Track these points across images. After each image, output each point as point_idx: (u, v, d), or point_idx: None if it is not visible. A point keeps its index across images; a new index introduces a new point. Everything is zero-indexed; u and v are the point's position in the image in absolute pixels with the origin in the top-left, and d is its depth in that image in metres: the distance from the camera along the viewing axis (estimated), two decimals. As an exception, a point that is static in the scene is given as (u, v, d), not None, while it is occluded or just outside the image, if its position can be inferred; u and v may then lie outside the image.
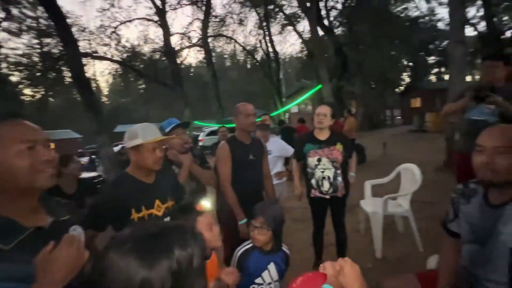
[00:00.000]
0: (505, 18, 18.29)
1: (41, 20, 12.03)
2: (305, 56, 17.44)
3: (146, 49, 15.07)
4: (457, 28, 4.88)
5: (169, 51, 12.63)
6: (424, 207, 3.24)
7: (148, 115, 29.17)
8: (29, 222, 0.74)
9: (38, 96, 18.63)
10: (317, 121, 2.24)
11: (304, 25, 19.47)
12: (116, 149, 8.19)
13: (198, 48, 15.45)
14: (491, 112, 2.09)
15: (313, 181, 2.27)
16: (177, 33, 14.78)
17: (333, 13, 15.99)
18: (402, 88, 23.51)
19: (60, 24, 7.16)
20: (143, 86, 22.44)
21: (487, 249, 1.00)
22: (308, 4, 9.96)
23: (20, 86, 15.93)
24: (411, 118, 15.84)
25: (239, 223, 1.81)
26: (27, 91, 18.06)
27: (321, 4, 13.67)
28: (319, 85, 10.00)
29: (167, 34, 12.68)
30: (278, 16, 16.22)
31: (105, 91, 30.85)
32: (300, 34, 15.27)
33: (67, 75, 14.98)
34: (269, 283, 1.22)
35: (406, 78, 26.42)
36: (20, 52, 13.27)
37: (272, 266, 1.23)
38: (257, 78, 21.58)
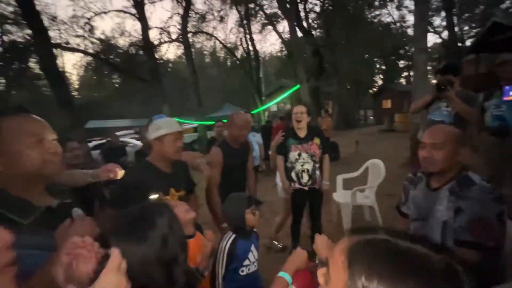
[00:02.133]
0: (466, 28, 20.05)
1: (2, 5, 11.14)
2: (285, 56, 17.82)
3: (122, 42, 14.53)
4: (420, 36, 5.37)
5: (147, 46, 12.28)
6: (388, 198, 3.60)
7: (124, 111, 27.97)
8: (40, 203, 0.85)
9: (-2, 88, 17.22)
10: (295, 120, 2.43)
11: (284, 26, 19.77)
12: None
13: (177, 43, 15.18)
14: (448, 114, 2.41)
15: (293, 174, 2.45)
16: (156, 27, 14.42)
17: (312, 15, 16.51)
18: (375, 89, 24.85)
19: (27, 10, 6.74)
20: (118, 80, 21.54)
21: (428, 224, 1.24)
22: (287, 6, 10.23)
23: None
24: (382, 118, 16.82)
25: (222, 225, 1.92)
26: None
27: (301, 7, 14.07)
28: (297, 85, 10.33)
29: (145, 27, 12.30)
30: (259, 15, 16.41)
31: (75, 84, 29.09)
32: (280, 34, 15.57)
33: (32, 66, 14.03)
34: (253, 262, 1.40)
35: (378, 80, 27.98)
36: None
37: (253, 247, 1.40)
38: (237, 76, 21.62)
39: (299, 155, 2.43)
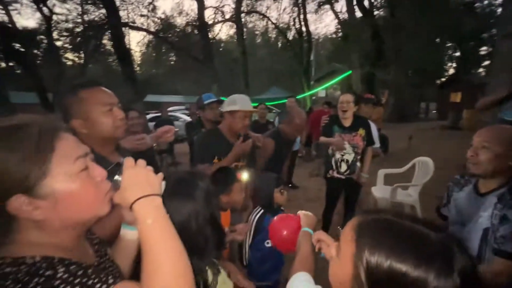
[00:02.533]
0: None
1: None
2: (339, 38, 16.68)
3: (179, 21, 15.32)
4: (508, 18, 4.49)
5: (202, 25, 12.73)
6: (433, 200, 3.32)
7: (176, 87, 29.97)
8: (113, 159, 1.06)
9: (78, 61, 19.95)
10: (340, 109, 2.37)
11: (342, 5, 18.36)
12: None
13: (230, 23, 15.37)
14: None
15: (332, 161, 2.44)
16: (211, 6, 14.77)
17: (375, -7, 14.90)
18: (443, 79, 21.76)
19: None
20: (174, 58, 22.97)
21: (467, 229, 1.17)
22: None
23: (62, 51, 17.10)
24: (447, 113, 14.87)
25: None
26: (69, 55, 19.36)
27: (363, -17, 12.78)
28: (349, 70, 9.71)
29: (201, 7, 12.71)
30: (316, -7, 15.48)
31: (138, 61, 31.95)
32: (337, 14, 14.56)
33: (105, 43, 15.80)
34: None
35: (449, 69, 24.32)
36: (63, 18, 14.10)
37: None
38: (286, 58, 21.12)
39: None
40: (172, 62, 24.59)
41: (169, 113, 8.71)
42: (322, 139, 2.46)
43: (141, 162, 0.61)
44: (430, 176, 2.49)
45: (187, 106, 14.47)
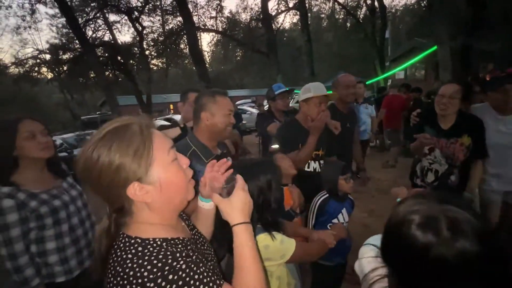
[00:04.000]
0: None
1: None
2: (424, 7, 14.23)
3: (244, 16, 15.89)
4: None
5: (265, 17, 12.90)
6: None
7: (243, 82, 31.41)
8: (214, 151, 1.41)
9: (161, 66, 23.19)
10: (439, 106, 1.76)
11: (426, -33, 15.61)
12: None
13: (294, 10, 15.05)
14: None
15: (417, 168, 1.97)
16: (274, -3, 14.75)
17: None
18: None
19: (182, 3, 8.48)
20: (240, 53, 24.09)
21: None
22: None
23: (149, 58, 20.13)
24: None
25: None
26: (154, 61, 22.69)
27: None
28: (435, 45, 8.25)
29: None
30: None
31: (208, 59, 34.75)
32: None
33: (182, 47, 17.79)
34: (342, 223, 1.56)
35: None
36: (149, 30, 16.45)
37: (344, 210, 1.54)
38: (356, 40, 19.40)
39: (431, 150, 1.82)
40: (238, 58, 25.85)
41: (238, 107, 9.29)
42: (413, 146, 1.91)
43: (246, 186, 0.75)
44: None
45: (253, 99, 15.09)
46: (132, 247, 0.58)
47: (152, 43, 16.73)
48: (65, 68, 13.16)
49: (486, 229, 0.51)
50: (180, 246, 0.64)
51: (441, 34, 8.05)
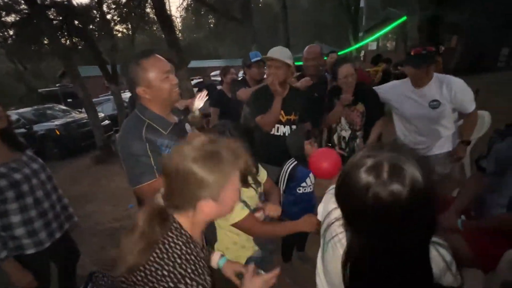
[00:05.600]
0: None
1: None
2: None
3: (216, -22, 14.60)
4: None
5: (239, -20, 12.03)
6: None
7: (217, 52, 29.92)
8: (170, 120, 1.27)
9: (127, 32, 21.19)
10: (341, 85, 2.10)
11: None
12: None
13: (268, -26, 14.14)
14: None
15: (334, 137, 2.28)
16: (248, -42, 13.61)
17: None
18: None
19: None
20: (213, 21, 22.63)
21: (503, 178, 1.15)
22: None
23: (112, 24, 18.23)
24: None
25: None
26: (118, 27, 20.63)
27: None
28: (404, 16, 8.39)
29: (237, -40, 11.88)
30: None
31: (179, 26, 32.26)
32: None
33: (147, 12, 16.24)
34: (309, 185, 1.69)
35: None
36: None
37: (311, 174, 1.65)
38: (331, 8, 18.98)
39: (339, 119, 2.16)
40: (211, 25, 24.32)
41: (213, 78, 8.95)
42: (331, 114, 2.19)
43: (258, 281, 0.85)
44: (484, 132, 2.25)
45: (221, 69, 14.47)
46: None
47: (114, 6, 15.07)
48: (11, 33, 11.47)
49: (423, 179, 0.56)
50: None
51: (414, 4, 8.18)
